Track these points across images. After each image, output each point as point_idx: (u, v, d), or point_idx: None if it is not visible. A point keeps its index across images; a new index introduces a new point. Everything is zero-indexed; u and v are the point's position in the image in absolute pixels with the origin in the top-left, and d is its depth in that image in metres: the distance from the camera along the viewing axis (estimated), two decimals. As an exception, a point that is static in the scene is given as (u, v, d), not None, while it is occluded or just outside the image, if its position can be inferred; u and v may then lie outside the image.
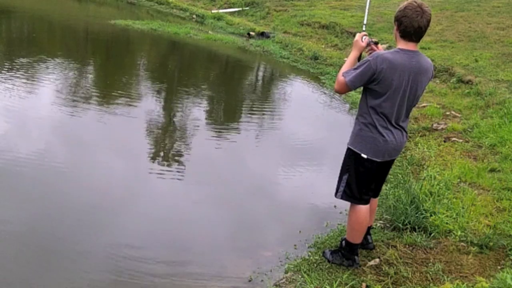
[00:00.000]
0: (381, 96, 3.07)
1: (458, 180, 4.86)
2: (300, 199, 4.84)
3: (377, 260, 3.53)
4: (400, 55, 3.03)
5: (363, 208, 3.34)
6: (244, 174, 5.42)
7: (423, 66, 3.07)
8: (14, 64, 8.33)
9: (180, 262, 3.64)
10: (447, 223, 3.95)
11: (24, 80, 7.49)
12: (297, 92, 9.52)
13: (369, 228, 3.71)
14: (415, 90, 3.10)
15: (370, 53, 3.18)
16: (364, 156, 3.19)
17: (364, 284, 3.25)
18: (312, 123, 7.36)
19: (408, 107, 3.16)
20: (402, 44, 3.08)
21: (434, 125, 6.61)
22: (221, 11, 17.35)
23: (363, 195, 3.32)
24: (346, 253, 3.48)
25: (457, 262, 3.49)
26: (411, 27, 2.98)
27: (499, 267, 3.42)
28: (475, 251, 3.62)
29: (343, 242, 3.54)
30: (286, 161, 5.73)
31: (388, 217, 4.19)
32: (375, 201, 3.63)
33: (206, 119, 7.11)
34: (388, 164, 3.38)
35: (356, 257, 3.46)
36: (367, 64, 3.02)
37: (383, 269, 3.41)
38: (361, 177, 3.27)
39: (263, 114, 7.69)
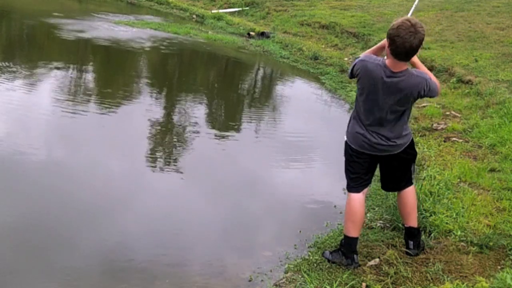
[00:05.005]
0: (360, 92, 3.32)
1: (458, 180, 4.85)
2: (300, 199, 4.84)
3: (377, 260, 3.54)
4: (379, 69, 3.12)
5: (352, 196, 3.46)
6: (244, 174, 5.42)
7: (399, 86, 3.10)
8: (13, 63, 8.32)
9: (179, 262, 3.64)
10: (447, 223, 3.95)
11: (24, 80, 7.49)
12: (297, 92, 9.52)
13: (410, 231, 3.60)
14: (388, 104, 3.17)
15: None
16: (345, 138, 3.48)
17: (364, 284, 3.25)
18: (312, 122, 7.36)
19: (381, 116, 3.22)
20: (391, 61, 3.11)
21: (434, 125, 6.60)
22: (221, 11, 17.31)
23: (350, 182, 3.51)
24: (345, 250, 3.48)
25: (457, 262, 3.49)
26: (403, 48, 2.99)
27: (499, 267, 3.42)
28: (475, 251, 3.62)
29: (343, 240, 3.55)
30: (285, 160, 5.73)
31: (388, 217, 4.19)
32: (403, 196, 3.56)
33: (205, 118, 7.10)
34: (383, 160, 3.43)
35: (355, 255, 3.46)
36: (355, 64, 3.30)
37: (383, 269, 3.41)
38: (346, 161, 3.52)
39: (263, 113, 7.70)
